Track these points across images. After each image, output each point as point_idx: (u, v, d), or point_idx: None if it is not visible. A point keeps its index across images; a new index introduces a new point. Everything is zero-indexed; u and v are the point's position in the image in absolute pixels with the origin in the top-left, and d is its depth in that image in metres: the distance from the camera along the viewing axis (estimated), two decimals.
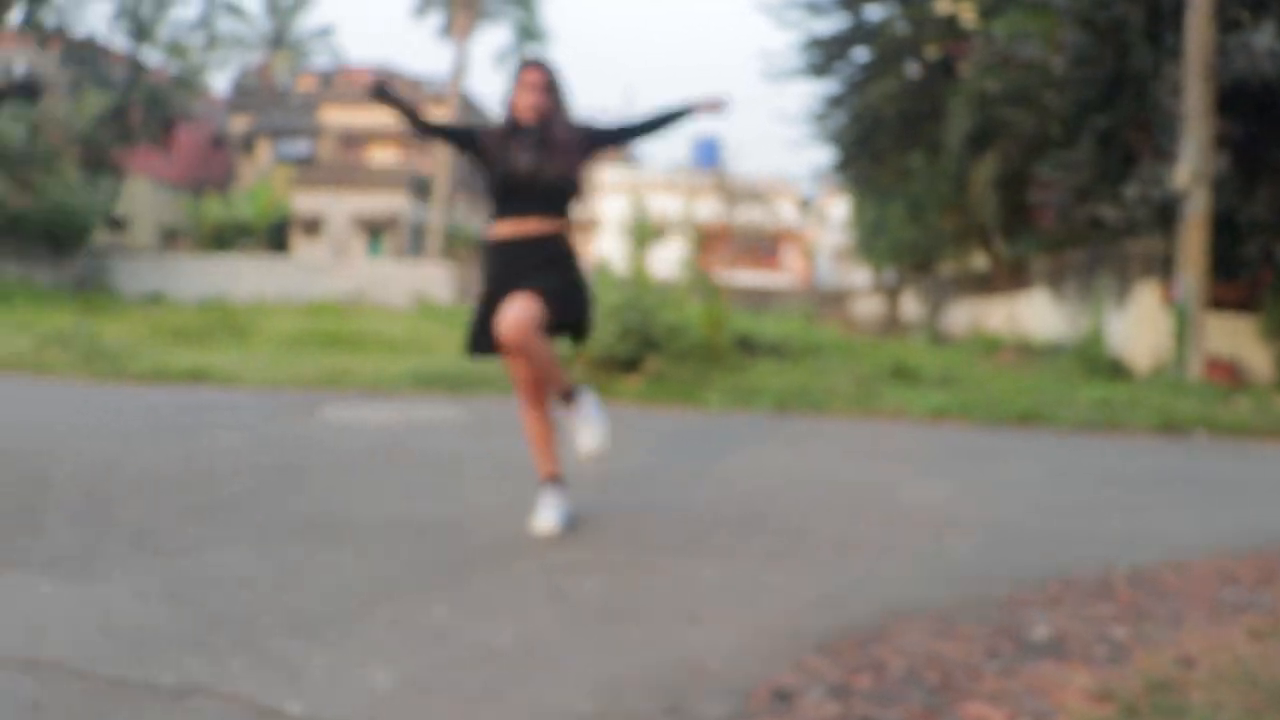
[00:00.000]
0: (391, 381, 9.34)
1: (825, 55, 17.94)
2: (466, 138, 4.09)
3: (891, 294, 24.03)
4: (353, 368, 9.98)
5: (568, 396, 4.00)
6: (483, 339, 3.93)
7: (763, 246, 28.26)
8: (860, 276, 33.96)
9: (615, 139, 4.17)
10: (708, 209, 38.13)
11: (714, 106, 4.11)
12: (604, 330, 9.45)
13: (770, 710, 2.41)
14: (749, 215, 21.48)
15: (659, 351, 10.04)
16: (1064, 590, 3.46)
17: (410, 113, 4.06)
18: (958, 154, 14.98)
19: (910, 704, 2.44)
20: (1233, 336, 11.75)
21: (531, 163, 3.86)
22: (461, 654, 2.73)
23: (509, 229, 3.90)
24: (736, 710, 2.41)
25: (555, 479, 4.08)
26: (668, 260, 35.64)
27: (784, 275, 35.30)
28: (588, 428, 4.00)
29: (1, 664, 2.55)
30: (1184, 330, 11.20)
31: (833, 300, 28.52)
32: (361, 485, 4.89)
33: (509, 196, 3.91)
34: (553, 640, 2.87)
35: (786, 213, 29.96)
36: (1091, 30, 12.10)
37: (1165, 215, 11.87)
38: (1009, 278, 15.71)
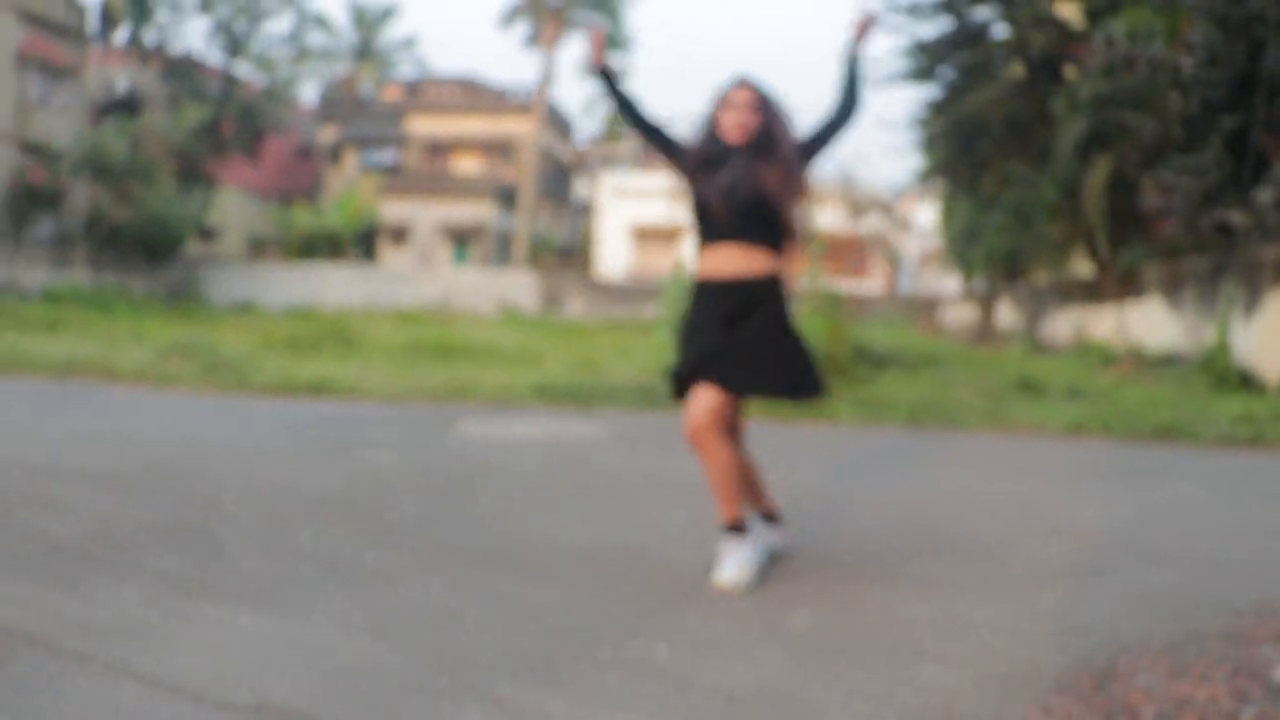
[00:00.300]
0: (517, 395, 9.31)
1: (927, 59, 17.65)
2: (671, 147, 3.86)
3: (983, 301, 23.56)
4: (473, 379, 9.97)
5: (736, 525, 3.68)
6: (688, 382, 3.71)
7: (854, 253, 27.90)
8: (947, 284, 33.42)
9: (819, 142, 3.86)
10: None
11: (865, 26, 3.82)
12: None
13: None
14: (869, 223, 21.19)
15: None
16: None
17: (627, 102, 3.87)
18: (1069, 159, 14.59)
19: None
20: None
21: (731, 187, 3.64)
22: (702, 701, 2.63)
23: (712, 265, 3.70)
24: None
25: (739, 528, 3.71)
26: None
27: (870, 282, 34.87)
28: (737, 564, 3.64)
29: (228, 709, 2.50)
30: None
31: (922, 307, 28.07)
32: (531, 507, 4.82)
33: (711, 225, 3.71)
34: (787, 683, 2.77)
35: (874, 219, 29.54)
36: (1223, 27, 11.67)
37: None
38: (1117, 286, 15.26)
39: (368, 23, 47.56)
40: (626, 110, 3.87)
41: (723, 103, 3.74)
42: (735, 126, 3.69)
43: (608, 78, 3.86)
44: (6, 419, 7.16)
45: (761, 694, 2.69)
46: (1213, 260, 12.71)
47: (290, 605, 3.30)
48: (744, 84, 3.75)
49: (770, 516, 3.98)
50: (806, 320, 10.38)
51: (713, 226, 3.70)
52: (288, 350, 12.51)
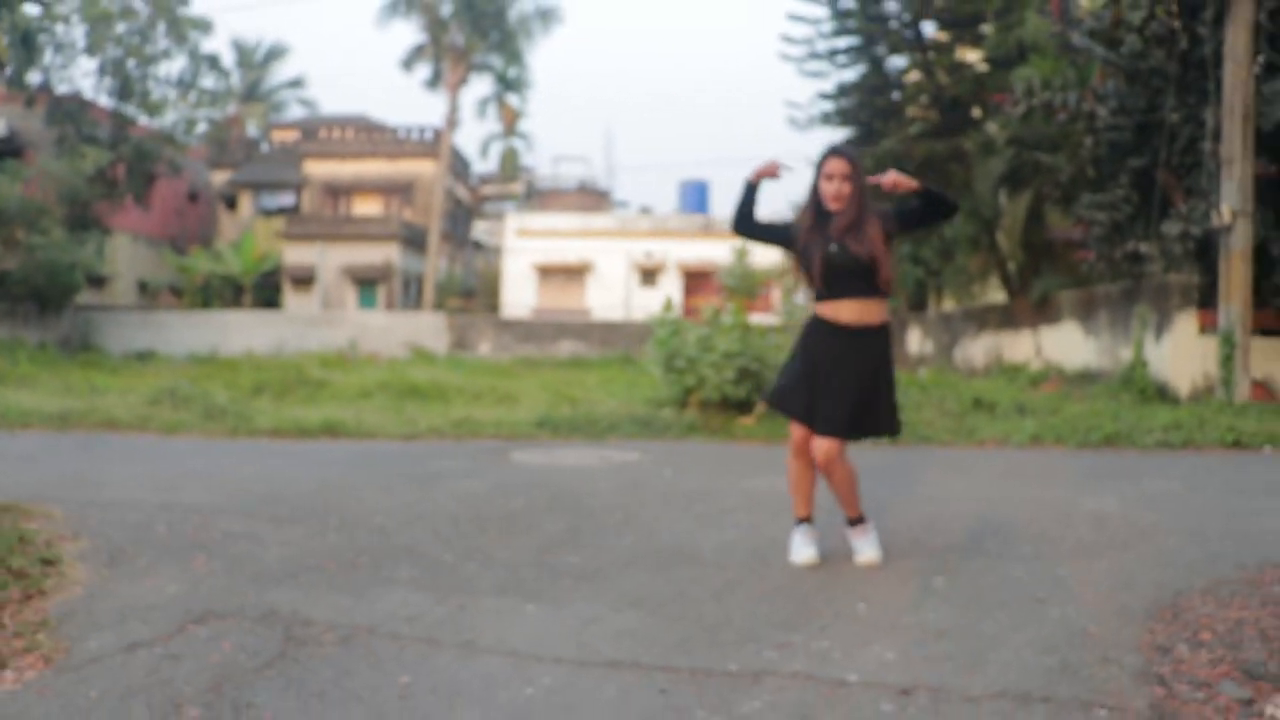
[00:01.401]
0: (522, 430, 9.77)
1: (846, 103, 18.81)
2: (784, 235, 4.53)
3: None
4: (472, 417, 10.38)
5: (859, 519, 4.53)
6: (791, 400, 4.41)
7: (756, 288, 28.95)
8: None
9: (907, 223, 4.50)
10: (692, 251, 38.91)
11: (892, 182, 4.34)
12: (718, 375, 10.01)
13: (1159, 660, 3.24)
14: (770, 256, 22.22)
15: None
16: None
17: (751, 211, 4.51)
18: (988, 196, 15.83)
19: (1253, 648, 3.33)
20: (1265, 360, 12.58)
21: (846, 247, 4.26)
22: (916, 636, 3.41)
23: (850, 313, 4.31)
24: (1139, 664, 3.20)
25: (861, 520, 4.56)
26: (657, 300, 36.33)
27: (769, 315, 36.08)
28: (871, 545, 4.51)
29: (565, 663, 3.04)
30: (1230, 356, 12.02)
31: None
32: (650, 519, 5.36)
33: (834, 280, 4.31)
34: (960, 621, 3.63)
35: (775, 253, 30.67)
36: (1130, 79, 13.01)
37: (1203, 250, 12.74)
38: (1032, 312, 16.54)
39: (253, 64, 47.12)
40: (744, 217, 4.51)
41: (822, 174, 4.36)
42: (834, 196, 4.31)
43: (752, 190, 4.50)
44: (92, 468, 7.29)
45: (947, 630, 3.51)
46: (1123, 287, 14.00)
47: (551, 596, 3.86)
48: (838, 154, 4.38)
49: (860, 520, 4.64)
50: (785, 354, 11.19)
51: (834, 282, 4.32)
52: (259, 397, 12.64)
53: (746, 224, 4.54)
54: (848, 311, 4.32)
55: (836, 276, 4.30)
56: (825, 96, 19.11)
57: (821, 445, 4.31)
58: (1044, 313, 16.36)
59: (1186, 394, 12.65)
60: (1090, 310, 14.98)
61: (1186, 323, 12.83)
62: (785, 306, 11.87)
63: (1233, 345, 12.00)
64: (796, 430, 4.42)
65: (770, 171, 4.48)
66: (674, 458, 8.10)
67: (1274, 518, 5.75)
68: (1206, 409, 11.44)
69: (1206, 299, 12.85)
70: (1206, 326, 12.76)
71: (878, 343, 4.41)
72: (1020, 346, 17.21)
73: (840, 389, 4.32)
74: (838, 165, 4.34)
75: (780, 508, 5.76)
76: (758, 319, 11.82)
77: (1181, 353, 12.79)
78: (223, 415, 10.39)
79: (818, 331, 4.41)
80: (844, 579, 4.19)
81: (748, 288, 10.93)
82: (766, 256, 22.39)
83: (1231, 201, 11.88)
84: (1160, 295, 13.09)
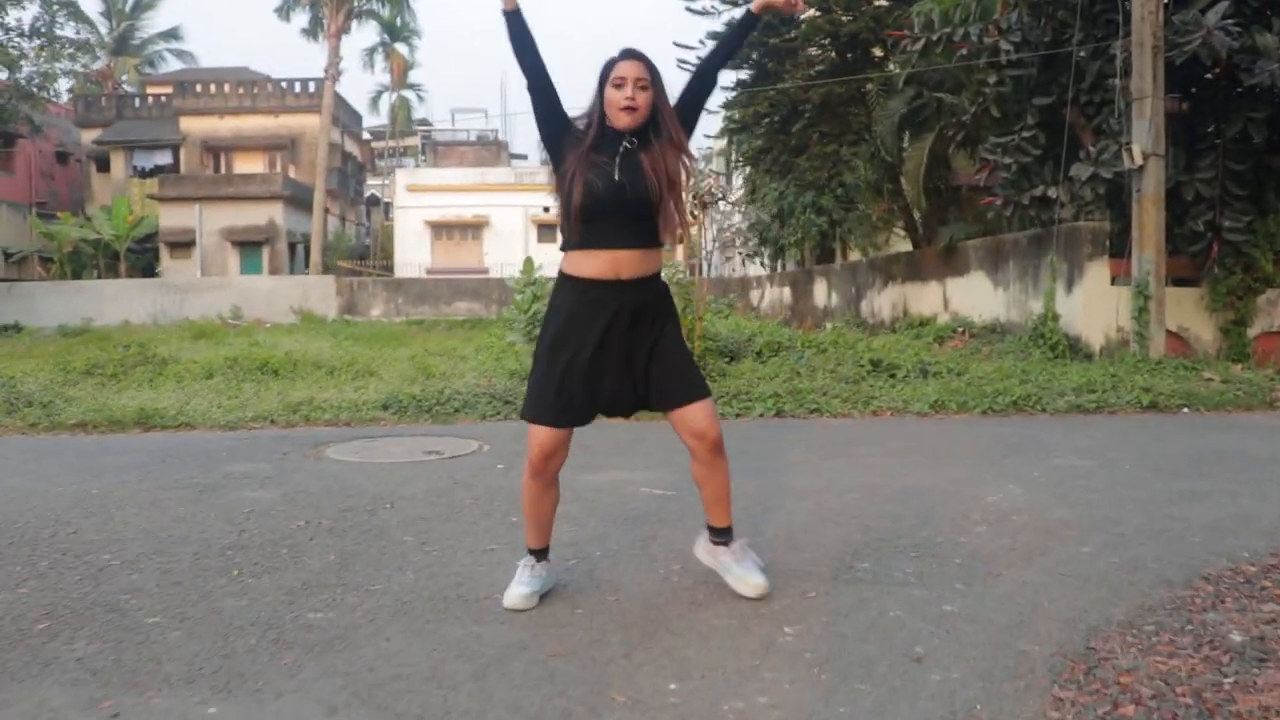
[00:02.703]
0: (365, 412, 8.59)
1: None
2: (558, 121, 3.36)
3: (797, 282, 23.97)
4: (312, 398, 9.14)
5: (726, 531, 3.54)
6: (572, 408, 3.34)
7: None
8: (750, 267, 33.94)
9: (694, 104, 3.45)
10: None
11: (791, 5, 3.44)
12: None
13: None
14: None
15: None
16: (1220, 589, 3.62)
17: (532, 46, 3.34)
18: (889, 139, 14.89)
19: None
20: (1179, 310, 11.91)
21: (627, 180, 3.23)
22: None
23: (600, 265, 3.26)
24: None
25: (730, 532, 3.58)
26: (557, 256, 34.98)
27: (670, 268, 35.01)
28: (756, 567, 3.55)
29: None
30: (1144, 308, 11.28)
31: (733, 290, 28.39)
32: (452, 543, 4.25)
33: (597, 221, 3.25)
34: (818, 704, 2.47)
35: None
36: (1034, 10, 12.10)
37: (1113, 194, 11.96)
38: (939, 262, 15.72)
39: (122, 12, 44.24)
40: (530, 55, 3.33)
41: (609, 82, 3.29)
42: (625, 108, 3.25)
43: (518, 17, 3.32)
44: None
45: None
46: (1032, 235, 13.20)
47: (255, 686, 2.75)
48: (632, 57, 3.31)
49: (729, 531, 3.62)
50: None
51: (596, 224, 3.26)
52: (91, 380, 11.19)
53: (544, 77, 3.35)
54: (622, 263, 3.26)
55: (609, 218, 3.24)
56: (715, 36, 17.92)
57: (708, 412, 3.35)
58: (951, 263, 15.54)
59: (1100, 348, 11.92)
60: (999, 260, 14.17)
61: (1098, 272, 12.07)
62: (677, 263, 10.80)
63: (1146, 297, 11.27)
64: (544, 439, 3.34)
65: None
66: (517, 443, 6.98)
67: (1194, 504, 5.03)
68: (1120, 366, 10.70)
69: (1119, 247, 12.10)
70: (1119, 276, 12.02)
71: (658, 294, 3.40)
72: (927, 299, 16.40)
73: (623, 372, 3.34)
74: (630, 68, 3.26)
75: (616, 515, 4.72)
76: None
77: (1094, 304, 12.04)
78: (27, 406, 8.98)
79: (575, 293, 3.32)
80: (661, 636, 3.13)
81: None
82: None
83: (1142, 142, 11.09)
84: (1070, 243, 12.30)
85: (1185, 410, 9.12)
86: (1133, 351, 11.34)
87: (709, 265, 21.56)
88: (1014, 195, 12.72)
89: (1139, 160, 11.04)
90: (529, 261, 9.94)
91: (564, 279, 3.35)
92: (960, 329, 14.16)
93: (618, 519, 4.71)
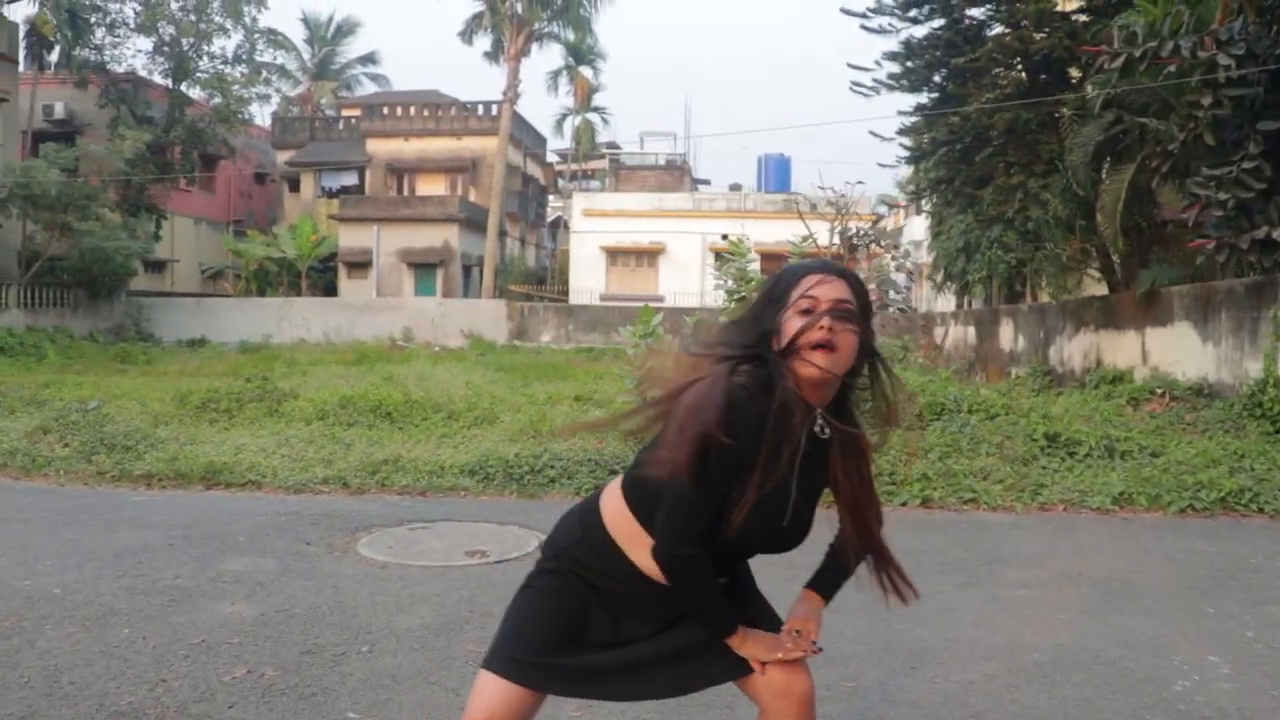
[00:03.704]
0: (447, 476, 7.67)
1: (919, 63, 16.13)
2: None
3: (982, 322, 22.04)
4: (397, 455, 8.31)
5: None
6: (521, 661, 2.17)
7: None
8: (938, 302, 31.93)
9: None
10: (771, 232, 36.37)
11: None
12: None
13: None
14: (855, 239, 19.57)
15: None
16: None
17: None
18: (1082, 170, 13.07)
19: None
20: None
21: (797, 523, 2.07)
22: None
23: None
24: None
25: None
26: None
27: None
28: None
29: None
30: None
31: (918, 328, 26.58)
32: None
33: (747, 552, 2.16)
34: None
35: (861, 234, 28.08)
36: (1265, 17, 10.19)
37: None
38: (1138, 309, 13.74)
39: (324, 38, 45.88)
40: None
41: (790, 303, 2.03)
42: (820, 346, 1.98)
43: None
44: None
45: None
46: (1251, 282, 11.22)
47: None
48: (830, 273, 2.06)
49: None
50: None
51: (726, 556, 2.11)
52: (203, 415, 10.78)
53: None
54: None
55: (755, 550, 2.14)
56: (892, 56, 16.42)
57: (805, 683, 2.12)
58: (1152, 311, 13.54)
59: None
60: (1209, 310, 12.16)
61: None
62: None
63: None
64: (496, 698, 2.14)
65: None
66: None
67: None
68: None
69: None
70: None
71: None
72: (1124, 349, 14.41)
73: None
74: (827, 287, 2.02)
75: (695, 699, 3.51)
76: None
77: None
78: (108, 450, 8.51)
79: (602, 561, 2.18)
80: None
81: (744, 291, 8.46)
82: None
83: None
84: None
85: None
86: None
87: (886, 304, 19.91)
88: (1230, 237, 10.75)
89: None
90: (646, 310, 8.83)
91: (606, 540, 2.18)
92: (1160, 389, 12.19)
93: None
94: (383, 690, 3.52)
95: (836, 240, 18.56)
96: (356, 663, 3.78)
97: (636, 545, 2.10)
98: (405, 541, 5.74)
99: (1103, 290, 16.13)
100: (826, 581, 2.26)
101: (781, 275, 2.08)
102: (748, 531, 1.97)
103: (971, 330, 22.40)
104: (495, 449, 8.54)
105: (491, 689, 2.13)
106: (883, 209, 34.75)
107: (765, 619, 2.22)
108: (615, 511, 2.15)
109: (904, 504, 7.24)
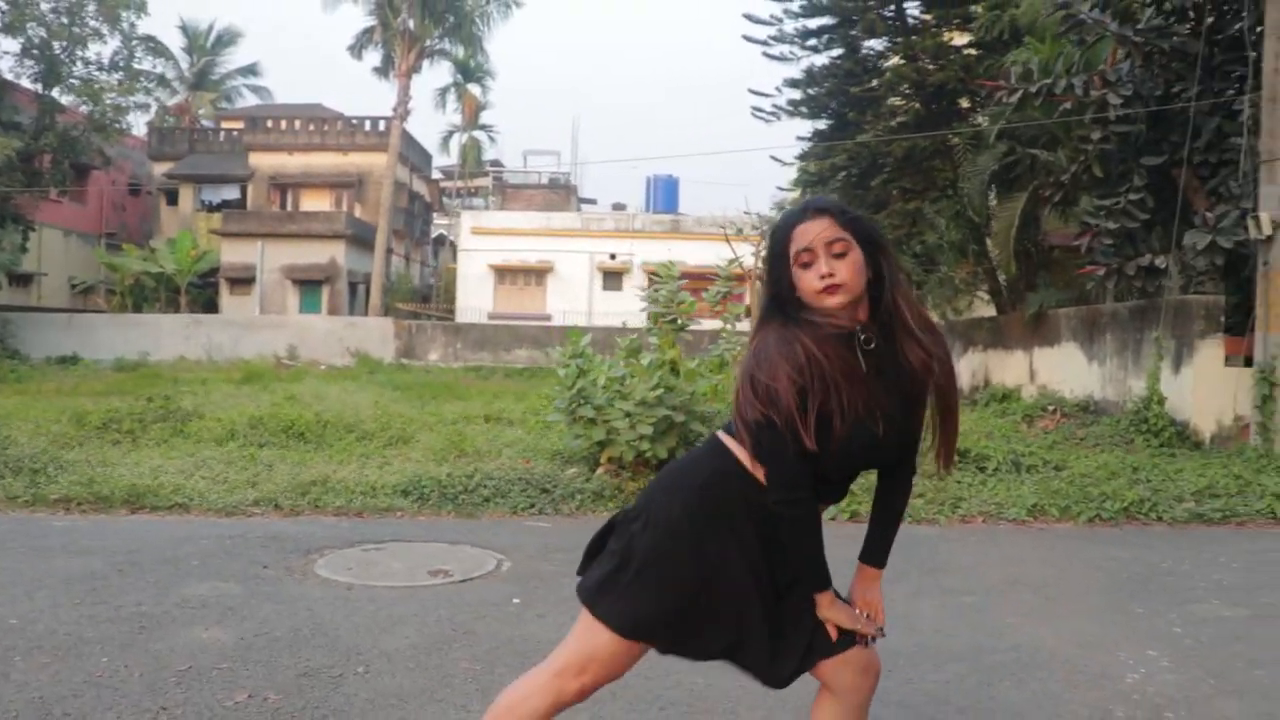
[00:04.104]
0: (381, 497, 7.62)
1: (818, 91, 16.65)
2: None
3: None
4: (327, 476, 8.20)
5: None
6: (691, 639, 2.31)
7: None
8: None
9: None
10: (658, 252, 36.76)
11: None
12: (633, 429, 7.87)
13: None
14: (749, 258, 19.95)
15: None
16: None
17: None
18: (977, 197, 13.71)
19: None
20: None
21: (893, 429, 2.23)
22: None
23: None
24: None
25: None
26: (622, 304, 34.16)
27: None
28: None
29: None
30: (1269, 396, 9.96)
31: None
32: None
33: (851, 477, 2.32)
34: None
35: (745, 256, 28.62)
36: (1147, 60, 10.91)
37: (1230, 265, 10.68)
38: (1027, 330, 14.45)
39: (204, 47, 44.60)
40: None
41: (793, 257, 2.23)
42: (826, 289, 2.17)
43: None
44: None
45: None
46: (1135, 306, 11.94)
47: None
48: (815, 212, 2.24)
49: None
50: (720, 401, 9.02)
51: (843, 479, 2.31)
52: (105, 436, 10.42)
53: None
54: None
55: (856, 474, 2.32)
56: (793, 84, 16.92)
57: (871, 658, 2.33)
58: (1040, 332, 14.26)
59: (1211, 436, 10.60)
60: (1095, 331, 12.88)
61: (1211, 352, 10.76)
62: (724, 338, 9.79)
63: (1272, 384, 9.95)
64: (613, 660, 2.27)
65: None
66: (545, 560, 5.94)
67: None
68: (1241, 462, 9.40)
69: (1234, 323, 10.79)
70: (1234, 356, 10.70)
71: None
72: (1011, 369, 15.12)
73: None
74: (813, 229, 2.20)
75: (649, 699, 3.63)
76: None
77: (1205, 387, 10.73)
78: (14, 474, 8.17)
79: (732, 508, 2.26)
80: None
81: (674, 314, 8.68)
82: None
83: (1272, 209, 9.81)
84: (1180, 318, 11.01)
85: None
86: (1253, 445, 10.02)
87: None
88: (1117, 263, 11.46)
89: (1267, 229, 9.78)
90: (575, 333, 8.92)
91: (742, 471, 2.27)
92: (1051, 406, 12.86)
93: (652, 706, 3.62)
94: (391, 710, 3.54)
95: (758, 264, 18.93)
96: (357, 684, 3.78)
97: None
98: (363, 563, 5.71)
99: (992, 312, 16.88)
100: (878, 549, 2.43)
101: (775, 230, 2.30)
102: (848, 449, 2.16)
103: None
104: (425, 469, 8.53)
105: (598, 635, 2.25)
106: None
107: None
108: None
109: (833, 518, 7.50)
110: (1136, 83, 10.89)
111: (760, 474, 2.20)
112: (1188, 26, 10.95)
